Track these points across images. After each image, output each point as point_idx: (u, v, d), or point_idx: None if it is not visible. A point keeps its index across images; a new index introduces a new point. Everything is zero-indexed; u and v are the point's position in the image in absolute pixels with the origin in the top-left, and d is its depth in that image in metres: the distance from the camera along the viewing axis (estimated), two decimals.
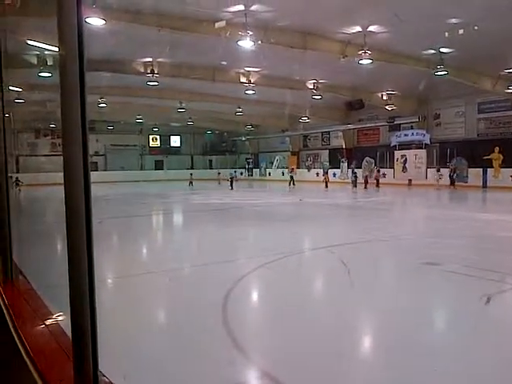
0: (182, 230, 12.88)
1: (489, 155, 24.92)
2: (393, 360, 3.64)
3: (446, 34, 15.56)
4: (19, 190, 26.04)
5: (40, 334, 1.83)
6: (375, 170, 29.70)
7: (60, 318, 1.97)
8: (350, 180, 29.93)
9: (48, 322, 1.93)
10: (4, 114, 2.47)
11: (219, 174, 37.61)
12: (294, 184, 30.32)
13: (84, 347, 1.22)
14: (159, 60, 20.89)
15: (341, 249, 8.36)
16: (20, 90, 19.48)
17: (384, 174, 30.19)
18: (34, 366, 1.48)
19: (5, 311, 2.04)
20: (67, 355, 1.49)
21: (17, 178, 26.75)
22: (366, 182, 28.04)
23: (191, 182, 32.11)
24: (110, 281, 6.49)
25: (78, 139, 1.25)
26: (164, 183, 36.65)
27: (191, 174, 33.66)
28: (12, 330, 1.84)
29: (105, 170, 43.13)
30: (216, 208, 17.57)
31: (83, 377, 1.23)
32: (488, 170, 25.05)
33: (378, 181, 28.38)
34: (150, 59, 20.71)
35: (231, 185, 28.95)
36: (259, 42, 16.10)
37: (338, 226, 12.61)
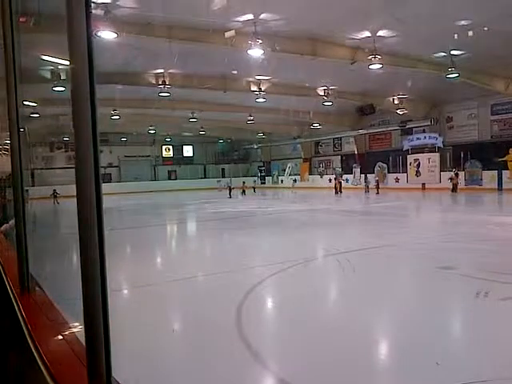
0: (199, 239, 12.94)
1: (503, 157, 24.60)
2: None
3: (456, 36, 15.44)
4: (57, 201, 26.46)
5: (56, 344, 1.85)
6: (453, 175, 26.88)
7: (77, 329, 1.99)
8: (362, 185, 29.80)
9: (64, 332, 1.94)
10: (19, 129, 2.52)
11: (219, 181, 38.03)
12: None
13: (97, 354, 1.24)
14: (170, 71, 21.12)
15: (356, 254, 8.31)
16: (35, 104, 19.84)
17: (397, 179, 30.00)
18: (50, 376, 1.49)
19: (21, 322, 2.07)
20: (83, 364, 1.49)
21: (54, 190, 27.18)
22: (378, 187, 27.86)
23: (244, 191, 32.03)
24: (134, 289, 6.53)
25: (90, 151, 1.27)
26: (177, 193, 36.83)
27: (244, 182, 33.63)
28: (29, 340, 1.86)
29: (118, 182, 43.54)
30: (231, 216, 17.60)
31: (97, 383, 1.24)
32: (503, 172, 24.73)
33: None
34: (162, 70, 20.94)
35: (229, 193, 29.06)
36: (269, 50, 16.18)
37: (353, 231, 12.54)
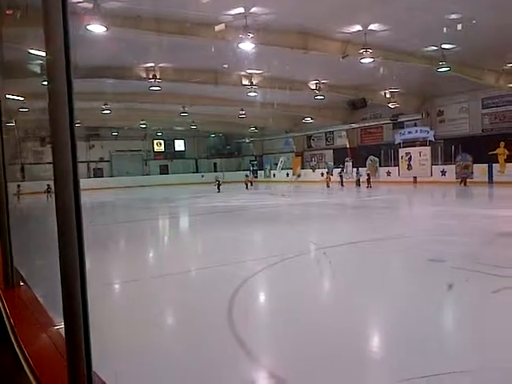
0: (194, 233, 12.92)
1: (494, 150, 24.77)
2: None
3: (446, 29, 15.47)
4: (50, 196, 26.19)
5: (39, 339, 1.84)
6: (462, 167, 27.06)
7: (60, 326, 1.98)
8: (354, 179, 29.87)
9: (48, 328, 1.93)
10: (1, 123, 2.48)
11: (203, 176, 38.17)
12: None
13: (77, 349, 1.23)
14: (161, 65, 20.98)
15: (347, 248, 8.36)
16: (22, 98, 19.61)
17: (389, 172, 30.13)
18: (32, 372, 1.48)
19: (5, 317, 2.05)
20: (65, 360, 1.48)
21: (48, 185, 26.91)
22: (369, 181, 27.93)
23: (247, 184, 32.86)
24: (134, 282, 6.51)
25: (67, 144, 1.25)
26: (169, 188, 36.72)
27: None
28: (11, 336, 1.85)
29: (110, 176, 43.35)
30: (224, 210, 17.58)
31: (77, 378, 1.24)
32: (493, 165, 24.91)
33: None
34: (152, 64, 20.79)
35: (218, 188, 29.06)
36: (260, 44, 16.11)
37: (346, 225, 12.59)
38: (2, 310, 2.15)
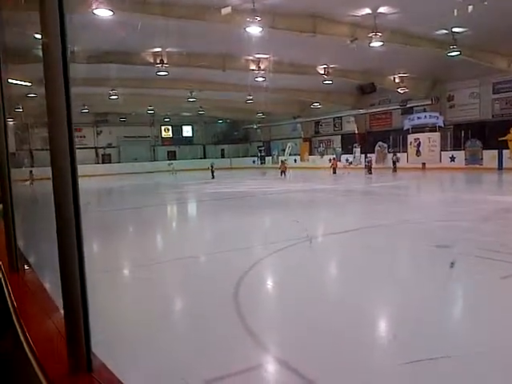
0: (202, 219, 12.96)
1: (504, 136, 24.44)
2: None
3: (457, 12, 15.16)
4: (32, 183, 26.35)
5: (41, 323, 1.85)
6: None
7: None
8: (363, 165, 29.66)
9: (50, 312, 1.95)
10: (4, 110, 2.48)
11: (169, 165, 37.61)
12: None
13: (76, 330, 1.25)
14: (168, 50, 20.84)
15: (354, 234, 8.35)
16: (29, 84, 19.61)
17: (398, 158, 29.89)
18: (33, 354, 1.49)
19: (9, 301, 2.07)
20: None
21: (31, 171, 27.07)
22: (370, 167, 27.77)
23: (283, 172, 27.70)
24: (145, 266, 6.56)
25: (64, 129, 1.24)
26: (177, 174, 36.81)
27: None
28: (14, 319, 1.87)
29: (118, 162, 43.48)
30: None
31: (77, 359, 1.25)
32: (503, 151, 24.61)
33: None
34: (159, 49, 20.66)
35: (212, 174, 28.89)
36: (267, 27, 15.92)
37: (351, 211, 12.56)
38: (7, 293, 2.18)
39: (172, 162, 39.67)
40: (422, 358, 3.25)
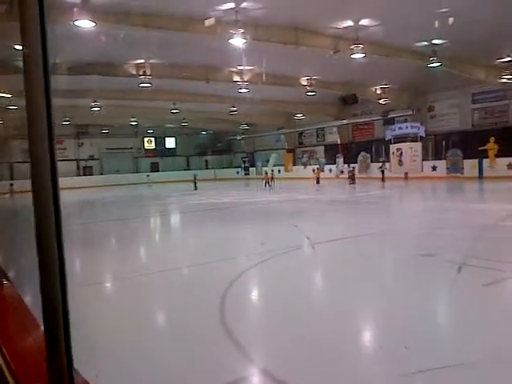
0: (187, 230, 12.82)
1: (484, 145, 24.89)
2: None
3: (437, 24, 15.48)
4: (12, 195, 25.97)
5: (20, 339, 1.76)
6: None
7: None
8: (346, 175, 29.84)
9: (30, 327, 1.85)
10: None
11: (148, 176, 38.52)
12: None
13: (57, 345, 1.17)
14: (151, 61, 20.79)
15: (339, 243, 8.33)
16: (9, 96, 19.37)
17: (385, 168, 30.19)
18: (10, 373, 1.41)
19: None
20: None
21: (11, 184, 26.62)
22: (353, 177, 27.98)
23: (268, 182, 27.63)
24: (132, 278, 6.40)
25: (45, 141, 1.17)
26: (160, 185, 36.57)
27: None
28: None
29: (101, 174, 43.02)
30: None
31: (57, 376, 1.18)
32: (484, 160, 25.05)
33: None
34: (142, 61, 20.61)
35: (195, 185, 28.98)
36: (251, 39, 16.00)
37: (337, 221, 12.57)
38: None
39: (148, 174, 39.76)
40: (411, 369, 3.20)
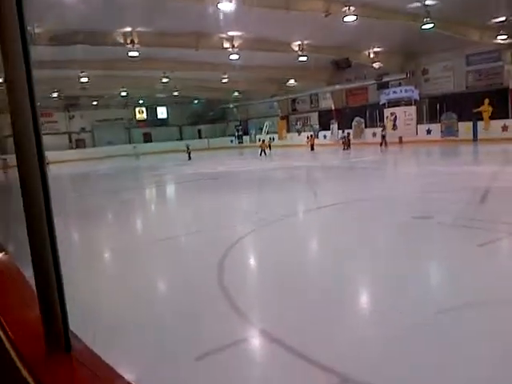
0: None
1: (478, 108, 24.75)
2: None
3: None
4: (5, 171, 25.75)
5: (16, 305, 1.78)
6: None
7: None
8: (340, 141, 29.72)
9: (26, 293, 1.87)
10: None
11: (135, 147, 38.34)
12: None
13: (52, 308, 1.18)
14: (139, 29, 20.24)
15: (333, 208, 8.38)
16: None
17: (374, 133, 30.03)
18: (7, 337, 1.42)
19: None
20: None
21: (5, 159, 26.29)
22: (348, 143, 28.03)
23: (264, 150, 27.68)
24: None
25: (28, 113, 1.14)
26: (153, 156, 36.34)
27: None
28: None
29: (93, 147, 42.64)
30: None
31: (54, 339, 1.19)
32: (478, 122, 24.96)
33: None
34: (130, 29, 20.04)
35: (189, 155, 28.89)
36: (241, 3, 15.58)
37: (332, 187, 12.60)
38: None
39: (136, 145, 39.57)
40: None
